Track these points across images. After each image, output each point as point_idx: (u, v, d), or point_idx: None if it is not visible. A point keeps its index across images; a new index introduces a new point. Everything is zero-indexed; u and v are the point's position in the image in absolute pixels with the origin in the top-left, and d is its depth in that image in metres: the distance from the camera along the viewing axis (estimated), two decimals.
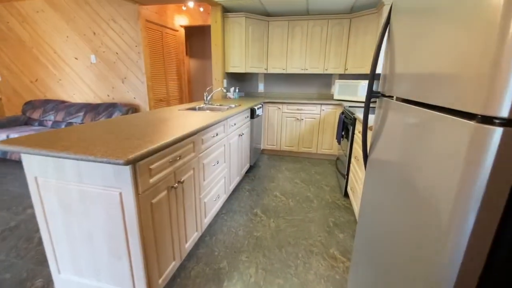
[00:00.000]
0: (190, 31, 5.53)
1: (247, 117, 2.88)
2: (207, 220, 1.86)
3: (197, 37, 5.53)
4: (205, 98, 2.81)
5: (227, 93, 3.80)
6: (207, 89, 3.02)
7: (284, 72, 3.86)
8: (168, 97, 4.31)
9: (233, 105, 2.81)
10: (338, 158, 3.15)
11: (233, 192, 2.64)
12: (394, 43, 1.08)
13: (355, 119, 2.36)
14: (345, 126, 2.66)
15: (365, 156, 1.27)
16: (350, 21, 3.49)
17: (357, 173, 2.11)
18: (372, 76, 1.13)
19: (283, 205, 2.40)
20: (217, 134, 1.93)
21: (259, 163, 3.56)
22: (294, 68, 3.81)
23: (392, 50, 1.10)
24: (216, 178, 1.99)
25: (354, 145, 2.33)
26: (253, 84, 4.37)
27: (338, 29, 3.54)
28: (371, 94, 1.16)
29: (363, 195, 1.33)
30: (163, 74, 4.13)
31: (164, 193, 1.27)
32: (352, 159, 2.38)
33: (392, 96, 1.11)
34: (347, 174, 2.51)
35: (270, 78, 4.27)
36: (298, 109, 3.66)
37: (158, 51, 3.98)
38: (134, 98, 3.84)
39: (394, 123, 1.02)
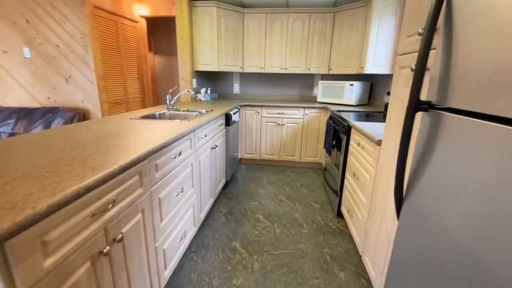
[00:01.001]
0: (154, 23, 4.89)
1: (222, 124, 2.40)
2: (168, 272, 1.36)
3: (162, 30, 4.90)
4: (168, 102, 2.28)
5: (197, 95, 3.28)
6: (170, 90, 2.48)
7: (262, 71, 3.43)
8: (128, 100, 3.68)
9: (203, 111, 2.32)
10: (325, 169, 2.79)
11: (206, 218, 2.15)
12: (456, 21, 0.67)
13: (349, 127, 2.00)
14: (336, 134, 2.29)
15: (399, 199, 0.87)
16: (334, 16, 3.15)
17: (356, 193, 1.75)
18: (421, 77, 0.73)
19: (268, 233, 1.97)
20: (180, 153, 1.44)
21: (237, 175, 3.10)
22: (274, 67, 3.40)
23: (450, 34, 0.70)
24: (181, 210, 1.50)
25: (350, 158, 1.96)
26: (228, 85, 3.89)
27: (321, 24, 3.19)
28: (417, 106, 0.75)
29: (394, 258, 0.92)
30: (120, 72, 3.49)
31: (83, 268, 0.76)
32: (347, 175, 2.01)
33: (449, 108, 0.72)
34: (340, 191, 2.15)
35: (247, 78, 3.82)
36: (279, 113, 3.25)
37: (113, 45, 3.34)
38: (82, 101, 3.16)
39: (457, 152, 0.62)
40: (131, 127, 1.49)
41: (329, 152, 2.36)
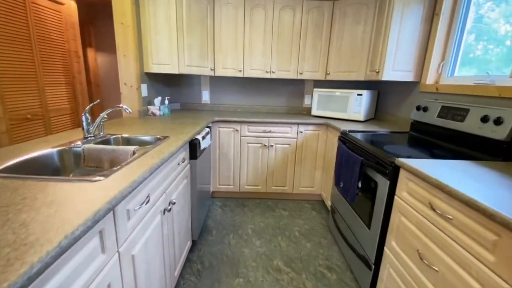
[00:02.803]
0: (92, 9, 3.77)
1: (183, 161, 1.49)
2: None
3: (106, 20, 3.80)
4: (84, 127, 1.31)
5: (150, 107, 2.31)
6: (87, 109, 1.40)
7: (239, 74, 2.59)
8: (47, 113, 2.56)
9: (152, 138, 1.40)
10: (334, 210, 2.02)
11: None
12: None
13: (395, 168, 1.24)
14: (362, 170, 1.52)
15: None
16: (333, 4, 2.44)
17: (418, 278, 0.97)
18: None
19: None
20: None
21: (209, 222, 2.19)
22: (255, 69, 2.57)
23: None
24: None
25: (400, 218, 1.20)
26: (194, 92, 2.97)
27: (317, 15, 2.46)
28: None
29: None
30: (32, 75, 2.38)
31: None
32: (393, 243, 1.25)
33: None
34: (376, 264, 1.37)
35: (220, 83, 2.94)
36: (265, 131, 2.43)
37: (19, 35, 2.23)
38: None
39: None
40: None
41: (352, 198, 1.58)
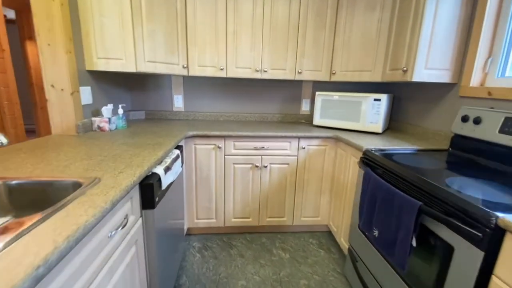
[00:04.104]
0: None
1: (124, 223, 0.88)
2: None
3: None
4: None
5: (95, 119, 1.65)
6: None
7: (221, 74, 2.00)
8: None
9: (64, 184, 0.78)
10: (355, 258, 1.48)
11: None
12: None
13: (497, 230, 0.71)
14: (419, 222, 0.99)
15: None
16: None
17: None
18: None
19: None
20: None
21: (183, 279, 1.57)
22: (242, 68, 2.00)
23: None
24: None
25: None
26: (164, 97, 2.33)
27: (319, 2, 1.94)
28: None
29: None
30: None
31: None
32: None
33: None
34: None
35: (197, 85, 2.33)
36: (256, 148, 1.86)
37: None
38: None
39: None
40: None
41: (401, 264, 1.01)
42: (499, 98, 1.29)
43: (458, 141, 1.43)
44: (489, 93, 1.34)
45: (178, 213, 1.52)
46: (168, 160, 1.20)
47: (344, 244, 1.72)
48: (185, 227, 1.85)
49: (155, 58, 1.71)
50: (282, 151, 1.88)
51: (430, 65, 1.51)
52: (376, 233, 1.18)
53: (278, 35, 1.96)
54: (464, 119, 1.38)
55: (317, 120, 2.10)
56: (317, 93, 2.06)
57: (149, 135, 1.57)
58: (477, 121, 1.31)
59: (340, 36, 1.98)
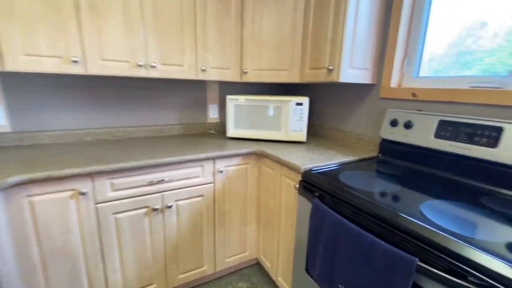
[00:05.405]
0: None
1: None
2: None
3: None
4: None
5: None
6: None
7: (77, 70, 1.23)
8: None
9: None
10: None
11: None
12: None
13: None
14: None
15: None
16: None
17: None
18: None
19: None
20: None
21: None
22: (113, 60, 1.30)
23: None
24: None
25: None
26: None
27: None
28: None
29: None
30: None
31: None
32: None
33: None
34: None
35: (32, 88, 1.40)
36: (151, 183, 1.23)
37: None
38: None
39: None
40: None
41: None
42: (425, 99, 1.23)
43: (388, 146, 1.32)
44: (414, 95, 1.27)
45: None
46: None
47: (284, 285, 1.37)
48: None
49: None
50: (193, 180, 1.34)
51: (354, 64, 1.33)
52: None
53: (167, 17, 1.37)
54: (394, 123, 1.27)
55: (231, 131, 1.66)
56: (227, 97, 1.61)
57: None
58: (408, 125, 1.20)
59: (249, 27, 1.59)
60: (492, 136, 0.94)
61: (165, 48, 1.39)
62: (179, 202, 1.32)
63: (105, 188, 1.12)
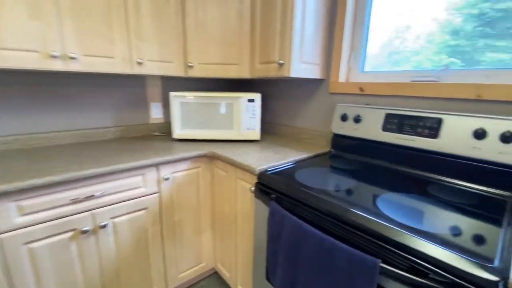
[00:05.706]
0: None
1: None
2: None
3: None
4: None
5: None
6: None
7: None
8: None
9: None
10: None
11: None
12: None
13: None
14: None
15: None
16: None
17: None
18: None
19: None
20: None
21: None
22: (16, 49, 1.02)
23: None
24: None
25: None
26: None
27: None
28: None
29: None
30: None
31: None
32: None
33: None
34: None
35: None
36: (77, 200, 1.00)
37: None
38: None
39: None
40: None
41: None
42: (372, 93, 1.26)
43: (339, 141, 1.32)
44: (361, 89, 1.29)
45: None
46: None
47: None
48: None
49: None
50: (133, 192, 1.14)
51: (304, 59, 1.29)
52: None
53: None
54: (344, 118, 1.27)
55: (177, 132, 1.49)
56: (171, 94, 1.43)
57: None
58: (357, 119, 1.21)
59: (192, 15, 1.44)
60: (433, 128, 0.99)
61: (87, 35, 1.16)
62: (116, 220, 1.11)
63: (9, 213, 0.87)
